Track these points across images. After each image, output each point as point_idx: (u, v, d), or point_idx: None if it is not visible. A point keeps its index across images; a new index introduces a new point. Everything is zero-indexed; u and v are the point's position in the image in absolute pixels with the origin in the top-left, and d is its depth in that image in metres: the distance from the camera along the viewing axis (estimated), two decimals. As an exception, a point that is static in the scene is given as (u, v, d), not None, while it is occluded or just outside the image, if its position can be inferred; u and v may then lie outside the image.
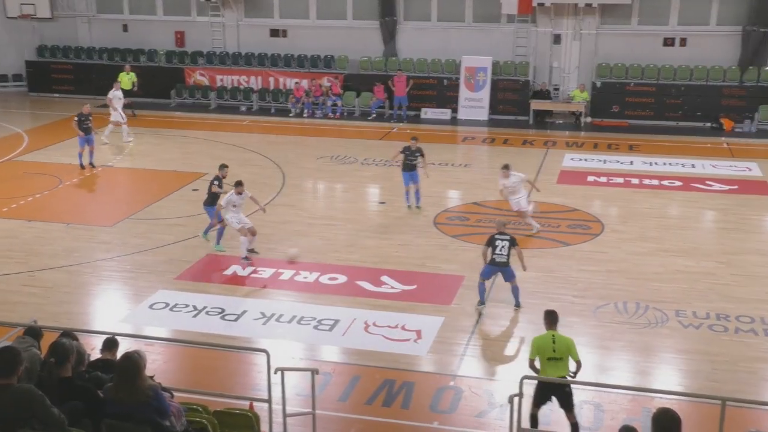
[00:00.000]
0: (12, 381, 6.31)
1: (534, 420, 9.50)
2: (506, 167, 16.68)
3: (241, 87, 30.04)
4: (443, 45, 29.07)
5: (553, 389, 9.31)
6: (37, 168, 21.76)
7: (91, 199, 19.57)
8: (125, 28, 32.10)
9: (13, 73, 32.61)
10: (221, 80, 30.31)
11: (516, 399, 8.27)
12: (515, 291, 13.23)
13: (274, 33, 30.76)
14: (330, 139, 25.78)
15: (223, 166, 16.20)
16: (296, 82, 29.13)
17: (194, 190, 19.45)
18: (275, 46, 30.59)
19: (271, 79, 29.92)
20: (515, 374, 9.41)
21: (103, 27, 32.38)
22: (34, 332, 8.43)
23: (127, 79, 27.29)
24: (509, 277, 13.19)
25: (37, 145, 24.32)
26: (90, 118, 21.53)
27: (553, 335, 9.35)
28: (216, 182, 15.89)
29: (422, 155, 18.15)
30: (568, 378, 9.34)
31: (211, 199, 15.90)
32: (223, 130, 26.59)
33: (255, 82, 30.07)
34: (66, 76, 31.81)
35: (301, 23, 30.47)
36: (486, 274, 13.25)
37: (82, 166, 21.48)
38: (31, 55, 32.35)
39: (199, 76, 30.48)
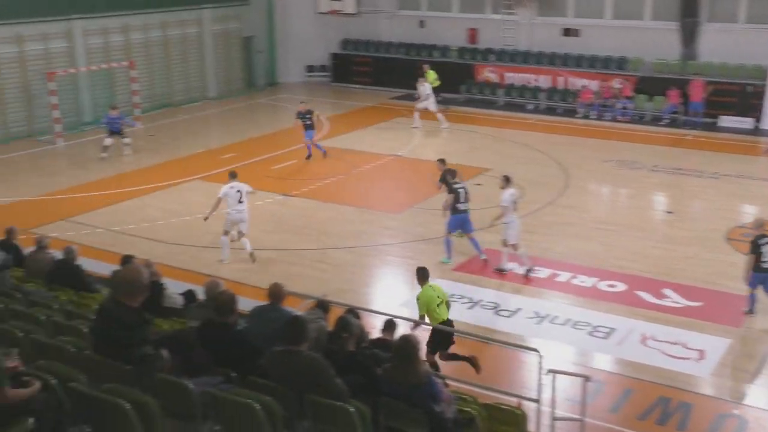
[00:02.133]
0: (301, 348, 6.70)
1: (435, 366, 10.13)
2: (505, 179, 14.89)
3: (530, 85, 29.99)
4: (749, 48, 26.89)
5: (448, 334, 10.50)
6: (334, 153, 23.21)
7: (379, 187, 20.55)
8: (422, 24, 33.33)
9: (320, 64, 35.16)
10: (510, 78, 30.46)
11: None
12: None
13: (567, 32, 30.29)
14: (617, 142, 24.90)
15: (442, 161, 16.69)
16: (583, 85, 28.53)
17: (477, 184, 19.65)
18: (567, 46, 30.14)
19: (561, 79, 29.53)
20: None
21: (402, 23, 33.86)
22: (323, 305, 9.03)
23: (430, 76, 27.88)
24: None
25: (336, 131, 25.99)
26: (308, 115, 22.30)
27: (431, 286, 10.75)
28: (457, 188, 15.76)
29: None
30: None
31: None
32: (508, 127, 26.70)
33: (544, 81, 29.88)
34: (365, 69, 33.71)
35: (596, 23, 29.68)
36: (756, 284, 12.72)
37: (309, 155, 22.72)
38: (335, 48, 34.67)
39: (488, 73, 30.86)
